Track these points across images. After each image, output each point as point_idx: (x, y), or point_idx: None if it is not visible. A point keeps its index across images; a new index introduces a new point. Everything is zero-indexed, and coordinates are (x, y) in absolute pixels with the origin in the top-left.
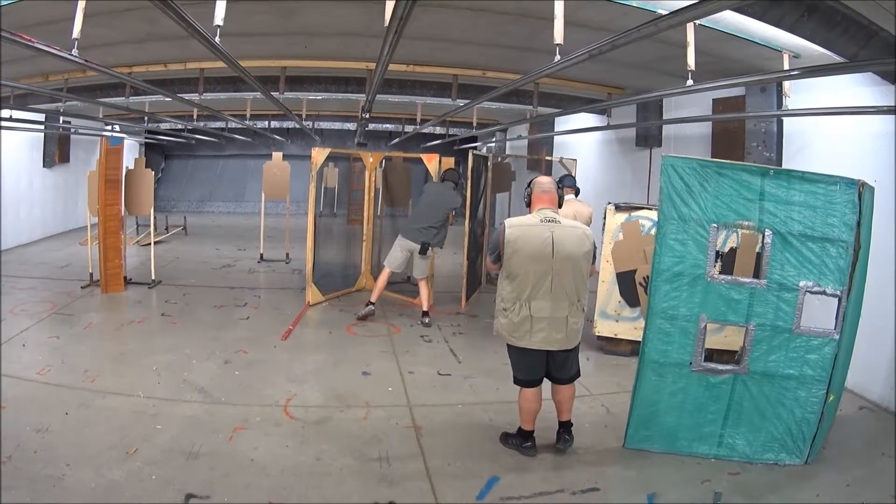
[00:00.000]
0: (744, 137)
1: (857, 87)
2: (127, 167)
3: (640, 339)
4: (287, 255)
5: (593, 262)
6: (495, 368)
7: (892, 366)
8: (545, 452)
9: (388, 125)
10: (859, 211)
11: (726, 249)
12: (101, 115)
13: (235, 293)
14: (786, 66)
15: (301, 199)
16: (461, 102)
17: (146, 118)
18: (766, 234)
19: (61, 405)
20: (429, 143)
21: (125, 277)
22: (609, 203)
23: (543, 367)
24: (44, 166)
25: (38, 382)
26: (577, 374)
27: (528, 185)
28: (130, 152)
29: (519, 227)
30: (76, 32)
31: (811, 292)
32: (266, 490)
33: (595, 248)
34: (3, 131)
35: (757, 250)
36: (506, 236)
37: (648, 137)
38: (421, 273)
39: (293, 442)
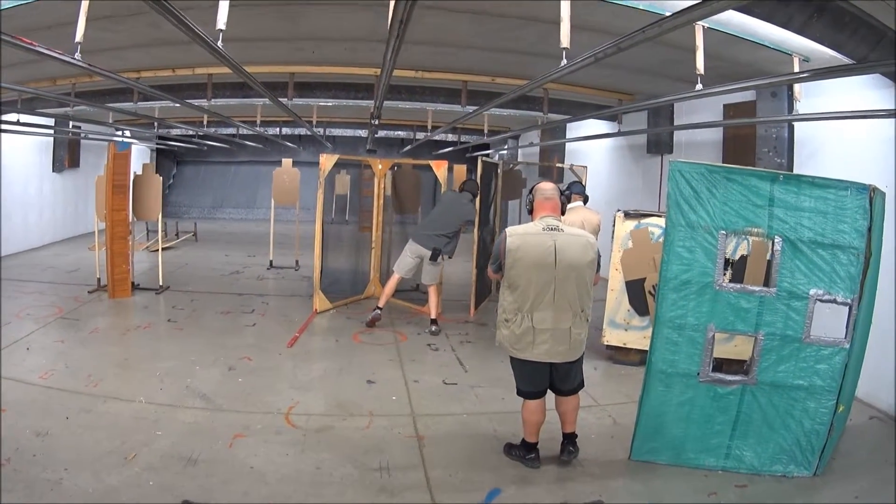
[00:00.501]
0: (755, 143)
1: (866, 91)
2: (135, 172)
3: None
4: (297, 261)
5: (598, 271)
6: (502, 378)
7: None
8: (549, 464)
9: (399, 132)
10: (870, 217)
11: (737, 257)
12: (110, 120)
13: (243, 300)
14: (796, 70)
15: (312, 206)
16: (470, 109)
17: (156, 123)
18: (775, 240)
19: (62, 409)
20: (441, 151)
21: (133, 283)
22: (618, 210)
23: (547, 379)
24: (53, 171)
25: (40, 386)
26: (581, 385)
27: (530, 191)
28: (141, 157)
29: (520, 236)
30: (79, 36)
31: (822, 301)
32: (264, 498)
33: (599, 256)
34: (5, 135)
35: (767, 258)
36: (507, 245)
37: (660, 144)
38: (430, 280)
39: (293, 450)
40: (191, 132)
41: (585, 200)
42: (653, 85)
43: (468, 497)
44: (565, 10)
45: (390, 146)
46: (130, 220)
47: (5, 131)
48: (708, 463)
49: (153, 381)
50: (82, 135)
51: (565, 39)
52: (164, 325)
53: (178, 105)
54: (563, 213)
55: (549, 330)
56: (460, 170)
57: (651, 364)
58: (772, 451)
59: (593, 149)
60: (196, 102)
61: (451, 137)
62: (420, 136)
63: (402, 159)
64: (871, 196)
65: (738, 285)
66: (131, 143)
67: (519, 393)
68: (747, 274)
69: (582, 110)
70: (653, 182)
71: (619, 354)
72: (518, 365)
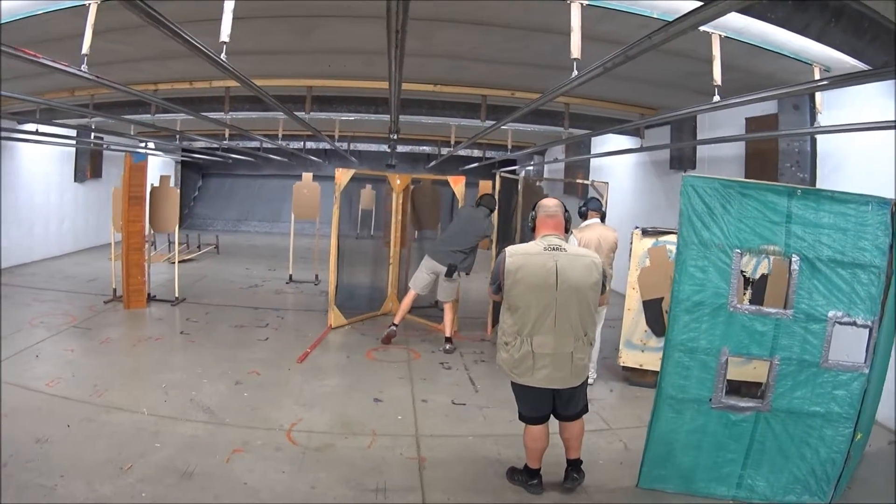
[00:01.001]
0: (777, 158)
1: (888, 101)
2: (151, 184)
3: None
4: (316, 276)
5: (604, 292)
6: (512, 399)
7: None
8: (552, 490)
9: (425, 147)
10: (892, 233)
11: (757, 276)
12: (132, 132)
13: (259, 313)
14: (816, 79)
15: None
16: (489, 123)
17: (178, 136)
18: (792, 259)
19: (65, 417)
20: (466, 167)
21: (149, 294)
22: (636, 227)
23: (549, 404)
24: (75, 181)
25: (45, 394)
26: (585, 409)
27: (533, 208)
28: (165, 169)
29: (521, 256)
30: (86, 48)
31: (840, 323)
32: None
33: (605, 277)
34: (21, 144)
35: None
36: (506, 265)
37: (682, 159)
38: (446, 297)
39: (291, 468)
40: (214, 145)
41: (602, 217)
42: (675, 99)
43: None
44: (575, 20)
45: (416, 161)
46: (147, 231)
47: (25, 140)
48: (719, 492)
49: (158, 392)
50: (104, 146)
51: (576, 50)
52: (176, 336)
53: (195, 118)
54: (567, 230)
55: (550, 355)
56: (486, 186)
57: (661, 389)
58: (785, 481)
59: (616, 165)
60: (214, 115)
61: (476, 153)
62: (444, 151)
63: (422, 175)
64: (893, 211)
65: (754, 307)
66: (148, 155)
67: (521, 418)
68: (767, 294)
69: (603, 125)
70: (676, 199)
71: (635, 376)
72: (519, 390)
